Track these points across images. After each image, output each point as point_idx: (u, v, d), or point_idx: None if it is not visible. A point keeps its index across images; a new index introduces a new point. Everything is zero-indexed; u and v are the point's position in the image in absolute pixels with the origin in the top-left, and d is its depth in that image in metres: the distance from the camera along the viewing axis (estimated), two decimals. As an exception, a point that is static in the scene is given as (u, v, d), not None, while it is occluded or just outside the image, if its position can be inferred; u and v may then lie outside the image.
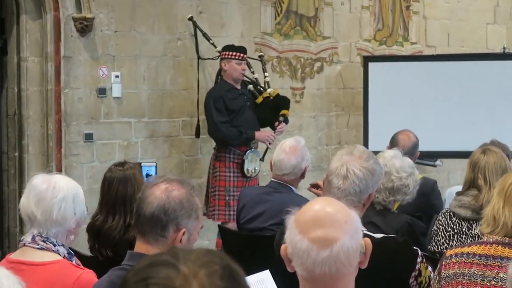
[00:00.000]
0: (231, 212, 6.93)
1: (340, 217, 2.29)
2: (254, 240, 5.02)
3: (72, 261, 3.25)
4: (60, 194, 3.22)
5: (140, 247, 2.93)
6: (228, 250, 5.35)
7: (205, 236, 7.41)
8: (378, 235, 3.34)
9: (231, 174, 7.12)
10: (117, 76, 7.20)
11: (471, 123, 8.59)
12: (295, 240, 2.27)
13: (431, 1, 10.03)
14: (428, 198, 5.74)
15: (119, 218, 4.30)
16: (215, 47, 7.52)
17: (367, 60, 8.90)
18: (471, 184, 4.54)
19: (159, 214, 2.86)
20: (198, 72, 7.61)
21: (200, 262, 1.50)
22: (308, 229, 2.26)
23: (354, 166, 3.38)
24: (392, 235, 3.56)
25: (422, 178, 5.25)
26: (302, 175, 5.11)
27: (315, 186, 4.76)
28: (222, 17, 7.93)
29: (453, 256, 3.27)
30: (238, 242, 5.25)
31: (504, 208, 3.21)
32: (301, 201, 4.40)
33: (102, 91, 7.11)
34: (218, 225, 6.24)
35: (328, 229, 2.25)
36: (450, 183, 9.64)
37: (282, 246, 2.32)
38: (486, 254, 3.20)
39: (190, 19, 7.57)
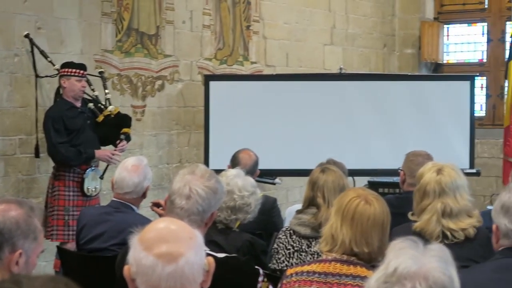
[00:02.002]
0: (70, 232, 6.79)
1: (184, 234, 2.32)
2: (94, 260, 4.94)
3: None
4: None
5: (-24, 270, 2.83)
6: (67, 272, 5.24)
7: (42, 257, 7.20)
8: (221, 255, 3.36)
9: (71, 193, 6.98)
10: (-50, 92, 6.93)
11: (309, 142, 8.79)
12: (139, 257, 2.27)
13: (271, 21, 10.21)
14: (268, 215, 5.85)
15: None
16: (53, 65, 7.35)
17: (208, 78, 8.94)
18: (310, 202, 4.64)
19: (-7, 234, 2.78)
20: (36, 90, 7.42)
21: None
22: (153, 245, 2.27)
23: (197, 185, 3.39)
24: (234, 255, 3.59)
25: (263, 196, 5.33)
26: (144, 195, 5.09)
27: (156, 204, 4.75)
28: (62, 33, 7.77)
29: (294, 275, 3.32)
30: (77, 263, 5.15)
31: (342, 226, 3.30)
32: (143, 221, 4.40)
33: None
34: (57, 246, 6.10)
35: (173, 245, 2.27)
36: (289, 200, 9.83)
37: (125, 267, 2.30)
38: (325, 271, 3.27)
39: (27, 36, 7.36)
